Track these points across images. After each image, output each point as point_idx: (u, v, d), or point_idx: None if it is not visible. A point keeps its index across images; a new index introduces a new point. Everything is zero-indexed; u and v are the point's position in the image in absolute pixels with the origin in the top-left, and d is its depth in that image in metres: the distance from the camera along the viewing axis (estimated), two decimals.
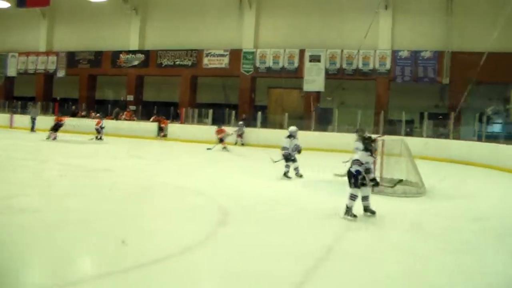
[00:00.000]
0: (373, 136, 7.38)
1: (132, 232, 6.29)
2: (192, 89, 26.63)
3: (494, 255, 5.85)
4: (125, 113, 26.36)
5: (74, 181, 10.29)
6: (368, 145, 7.14)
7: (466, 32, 22.46)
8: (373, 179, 7.17)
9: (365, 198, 7.30)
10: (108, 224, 6.67)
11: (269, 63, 24.75)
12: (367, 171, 7.11)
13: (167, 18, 27.51)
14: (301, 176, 11.87)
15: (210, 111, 24.10)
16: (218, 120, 23.98)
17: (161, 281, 4.63)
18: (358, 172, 7.07)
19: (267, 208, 8.25)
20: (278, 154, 12.13)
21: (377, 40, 23.65)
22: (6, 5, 27.35)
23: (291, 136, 11.90)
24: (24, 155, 14.69)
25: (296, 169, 11.94)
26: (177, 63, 26.42)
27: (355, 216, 7.06)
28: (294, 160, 11.85)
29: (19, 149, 16.55)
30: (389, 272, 5.09)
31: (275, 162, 12.12)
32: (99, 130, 21.42)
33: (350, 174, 7.14)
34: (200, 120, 24.62)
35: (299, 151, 11.86)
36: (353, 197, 7.08)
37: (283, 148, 11.74)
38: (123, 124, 25.27)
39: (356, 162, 7.11)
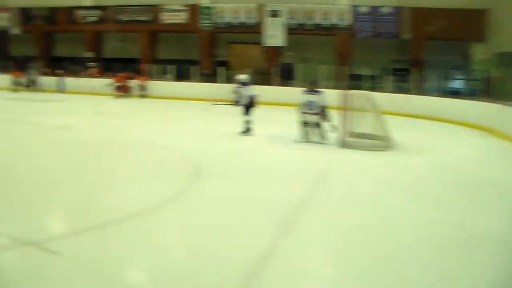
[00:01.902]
0: None
1: (99, 189, 6.66)
2: (152, 45, 27.25)
3: (457, 205, 6.52)
4: (93, 70, 26.72)
5: (38, 139, 10.87)
6: None
7: None
8: None
9: None
10: (73, 182, 6.96)
11: (228, 18, 25.49)
12: None
13: None
14: (244, 131, 11.79)
15: (172, 67, 25.01)
16: (182, 76, 24.89)
17: (133, 237, 4.90)
18: None
19: (239, 162, 8.87)
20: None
21: None
22: None
23: (243, 84, 12.11)
24: None
25: (245, 122, 11.88)
26: (136, 19, 26.93)
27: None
28: (246, 113, 11.86)
29: None
30: (361, 222, 5.55)
31: (215, 104, 12.47)
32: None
33: None
34: (162, 76, 25.45)
35: (251, 103, 11.81)
36: None
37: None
38: (85, 82, 25.96)
39: None
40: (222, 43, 26.53)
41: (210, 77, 24.21)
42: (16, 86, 25.53)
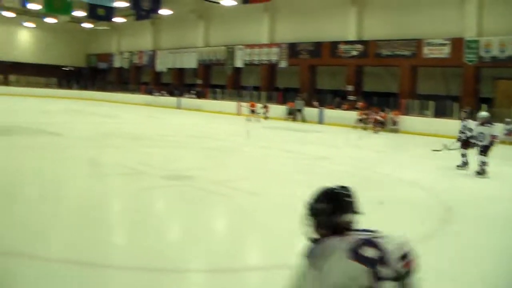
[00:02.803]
0: None
1: None
2: (412, 80, 28.20)
3: None
4: (358, 103, 28.48)
5: (294, 167, 11.92)
6: None
7: None
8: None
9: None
10: None
11: (495, 51, 25.03)
12: None
13: (385, 8, 29.26)
14: (479, 172, 11.54)
15: (432, 103, 25.78)
16: (441, 112, 25.46)
17: None
18: None
19: (490, 207, 8.63)
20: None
21: None
22: (233, 3, 31.59)
23: (484, 122, 11.88)
24: (246, 141, 17.79)
25: (481, 163, 11.66)
26: (396, 53, 28.22)
27: None
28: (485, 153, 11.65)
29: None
30: None
31: (449, 150, 12.54)
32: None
33: None
34: (421, 111, 26.40)
35: (491, 143, 11.65)
36: None
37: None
38: (343, 114, 28.40)
39: None
40: (487, 78, 26.23)
41: (472, 115, 24.30)
42: (287, 116, 29.31)
